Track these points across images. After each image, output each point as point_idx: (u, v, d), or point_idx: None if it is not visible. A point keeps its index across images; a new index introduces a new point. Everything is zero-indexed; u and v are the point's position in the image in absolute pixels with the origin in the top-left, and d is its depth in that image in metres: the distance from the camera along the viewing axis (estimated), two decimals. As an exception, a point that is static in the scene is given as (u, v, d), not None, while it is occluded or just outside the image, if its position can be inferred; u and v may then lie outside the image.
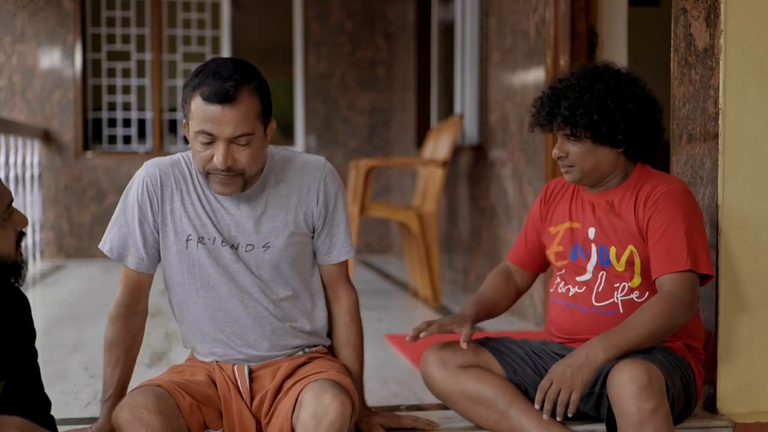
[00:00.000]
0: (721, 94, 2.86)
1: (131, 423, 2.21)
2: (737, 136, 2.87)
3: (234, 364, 2.47)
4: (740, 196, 2.88)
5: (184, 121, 2.39)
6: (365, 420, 2.61)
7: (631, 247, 2.55)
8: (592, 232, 2.62)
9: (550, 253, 2.72)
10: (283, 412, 2.33)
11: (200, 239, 2.43)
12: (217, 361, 2.49)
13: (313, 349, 2.54)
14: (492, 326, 4.87)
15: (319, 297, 2.56)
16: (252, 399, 2.44)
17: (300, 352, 2.52)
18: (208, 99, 2.28)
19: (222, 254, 2.43)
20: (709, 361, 2.92)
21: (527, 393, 2.65)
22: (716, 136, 2.87)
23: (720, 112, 2.86)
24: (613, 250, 2.57)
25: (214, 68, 2.32)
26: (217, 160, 2.30)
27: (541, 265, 2.84)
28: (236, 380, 2.45)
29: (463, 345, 2.54)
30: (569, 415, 2.35)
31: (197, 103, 2.30)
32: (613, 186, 2.64)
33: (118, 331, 2.50)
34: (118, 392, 2.48)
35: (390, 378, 3.53)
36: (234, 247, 2.44)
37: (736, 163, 2.88)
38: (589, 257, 2.61)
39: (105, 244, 2.48)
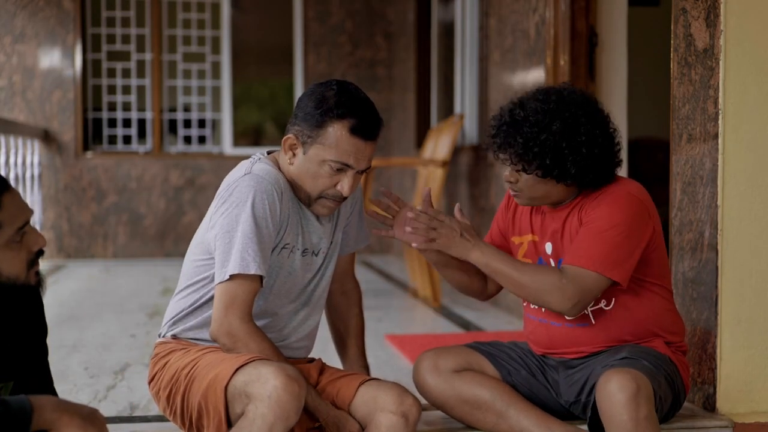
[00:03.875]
0: (721, 94, 2.86)
1: (295, 397, 2.20)
2: (737, 136, 2.87)
3: None
4: (740, 196, 2.88)
5: (294, 136, 2.42)
6: None
7: None
8: (549, 247, 2.59)
9: None
10: (341, 402, 2.44)
11: (294, 248, 2.48)
12: None
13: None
14: (492, 326, 4.87)
15: None
16: None
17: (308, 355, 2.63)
18: (357, 132, 2.38)
19: (305, 262, 2.51)
20: (709, 361, 2.92)
21: (523, 394, 2.66)
22: (716, 136, 2.87)
23: (720, 112, 2.86)
24: None
25: (354, 98, 2.40)
26: (345, 189, 2.42)
27: None
28: None
29: (409, 213, 2.53)
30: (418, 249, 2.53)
31: (341, 133, 2.37)
32: (568, 201, 2.59)
33: (262, 335, 2.39)
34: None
35: (390, 378, 3.51)
36: (315, 254, 2.53)
37: (736, 163, 2.88)
38: None
39: (249, 266, 2.33)
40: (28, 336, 2.04)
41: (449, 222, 2.51)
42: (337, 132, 2.37)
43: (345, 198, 2.45)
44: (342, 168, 2.40)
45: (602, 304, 2.55)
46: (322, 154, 2.39)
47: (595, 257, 2.43)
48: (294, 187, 2.47)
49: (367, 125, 2.38)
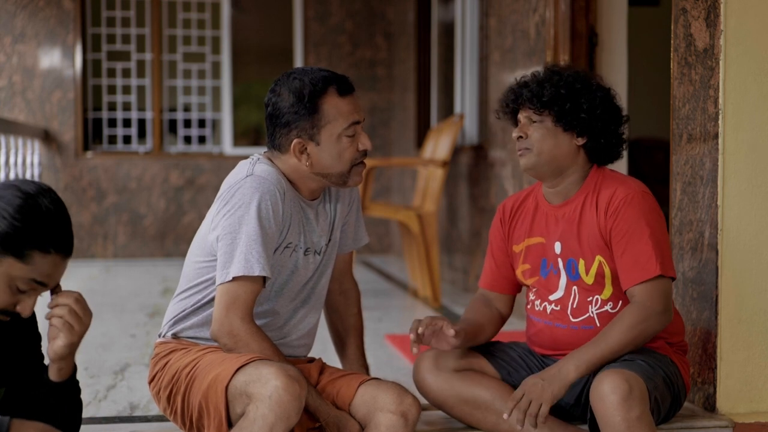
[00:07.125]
0: (721, 94, 2.86)
1: (295, 398, 2.20)
2: (737, 136, 2.87)
3: None
4: (740, 196, 2.88)
5: (298, 137, 2.42)
6: None
7: (599, 257, 2.53)
8: (558, 247, 2.59)
9: (519, 273, 2.68)
10: (341, 401, 2.44)
11: (297, 247, 2.48)
12: None
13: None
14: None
15: None
16: None
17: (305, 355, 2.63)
18: (345, 92, 2.44)
19: (307, 261, 2.51)
20: (709, 361, 2.92)
21: None
22: (716, 136, 2.87)
23: (720, 112, 2.86)
24: (582, 263, 2.55)
25: (320, 71, 2.46)
26: (367, 142, 2.47)
27: (516, 286, 2.76)
28: None
29: (450, 331, 2.48)
30: (539, 423, 2.40)
31: (334, 102, 2.43)
32: (572, 192, 2.59)
33: (263, 335, 2.40)
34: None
35: (390, 378, 3.52)
36: (317, 253, 2.53)
37: (736, 163, 2.88)
38: (559, 274, 2.59)
39: (253, 267, 2.34)
40: (21, 343, 2.03)
41: (530, 381, 2.42)
42: (331, 102, 2.42)
43: (367, 153, 2.50)
44: (355, 129, 2.45)
45: (608, 306, 2.55)
46: (334, 131, 2.43)
47: (660, 263, 2.46)
48: (298, 183, 2.48)
49: (345, 81, 2.46)
